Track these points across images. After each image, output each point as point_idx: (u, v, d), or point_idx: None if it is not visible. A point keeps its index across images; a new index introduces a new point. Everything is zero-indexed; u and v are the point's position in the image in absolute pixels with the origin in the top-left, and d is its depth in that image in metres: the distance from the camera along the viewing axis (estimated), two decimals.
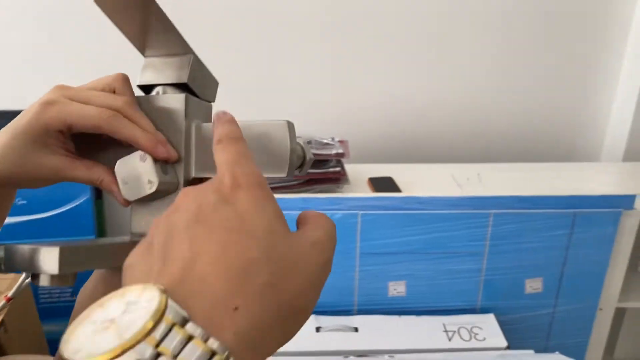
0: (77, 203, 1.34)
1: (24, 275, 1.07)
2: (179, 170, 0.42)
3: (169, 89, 0.43)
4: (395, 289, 1.19)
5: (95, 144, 0.44)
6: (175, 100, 0.42)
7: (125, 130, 0.40)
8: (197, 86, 0.44)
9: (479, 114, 1.46)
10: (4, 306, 0.99)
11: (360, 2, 1.34)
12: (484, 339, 1.10)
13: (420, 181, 1.23)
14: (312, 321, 1.13)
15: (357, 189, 1.19)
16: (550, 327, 1.23)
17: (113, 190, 0.43)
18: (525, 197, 1.12)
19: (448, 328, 1.13)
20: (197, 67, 0.44)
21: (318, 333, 1.11)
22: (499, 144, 1.48)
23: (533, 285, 1.19)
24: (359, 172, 1.26)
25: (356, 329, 1.12)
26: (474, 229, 1.14)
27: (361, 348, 1.07)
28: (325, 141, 1.19)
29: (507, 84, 1.44)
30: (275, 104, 1.43)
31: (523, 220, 1.13)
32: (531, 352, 1.06)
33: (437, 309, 1.18)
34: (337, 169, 1.17)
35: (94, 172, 0.43)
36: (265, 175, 0.36)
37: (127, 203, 0.43)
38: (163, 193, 0.42)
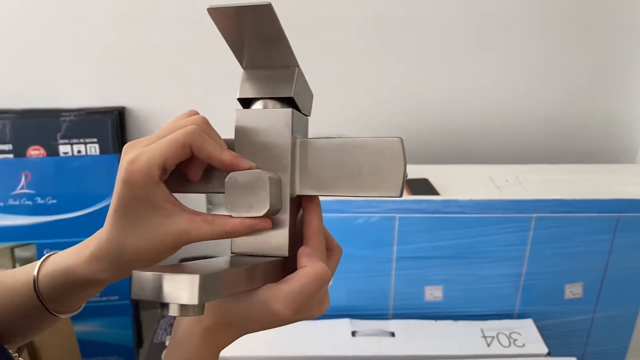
0: (107, 203, 1.33)
1: None
2: (284, 188, 0.41)
3: (271, 102, 0.41)
4: (431, 294, 1.16)
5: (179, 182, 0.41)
6: (281, 115, 0.40)
7: (208, 145, 0.38)
8: (300, 100, 0.42)
9: (517, 114, 1.43)
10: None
11: (394, 3, 1.31)
12: (524, 345, 1.07)
13: (457, 183, 1.20)
14: (348, 325, 1.11)
15: None
16: (589, 333, 1.20)
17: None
18: (568, 200, 1.09)
19: (486, 334, 1.11)
20: (301, 80, 0.42)
21: (354, 337, 1.09)
22: (537, 145, 1.45)
23: (573, 291, 1.17)
24: None
25: (392, 334, 1.10)
26: (514, 233, 1.11)
27: (398, 354, 1.05)
28: None
29: (545, 84, 1.41)
30: (314, 106, 1.41)
31: (564, 224, 1.11)
32: (574, 359, 1.04)
33: (475, 314, 1.16)
34: None
35: (216, 225, 0.39)
36: (378, 197, 0.37)
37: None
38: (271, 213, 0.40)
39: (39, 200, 1.33)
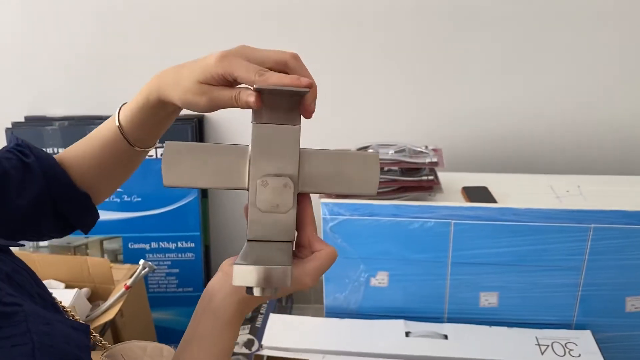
0: (186, 202, 1.45)
1: (140, 266, 1.19)
2: (295, 190, 0.50)
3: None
4: (487, 300, 1.18)
5: None
6: (291, 131, 0.51)
7: (237, 70, 0.49)
8: None
9: (579, 124, 1.41)
10: (123, 294, 1.11)
11: (458, 7, 1.34)
12: (579, 355, 1.07)
13: (517, 192, 1.21)
14: (402, 326, 1.15)
15: (451, 197, 1.20)
16: None
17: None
18: (630, 212, 1.08)
19: (541, 342, 1.11)
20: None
21: (407, 338, 1.13)
22: (600, 155, 1.42)
23: (635, 304, 1.14)
24: (452, 181, 1.26)
25: (445, 336, 1.13)
26: (572, 242, 1.11)
27: (450, 355, 1.08)
28: (419, 149, 1.21)
29: (607, 95, 1.39)
30: (370, 112, 1.47)
31: (626, 235, 1.09)
32: None
33: (530, 322, 1.17)
34: (431, 177, 1.18)
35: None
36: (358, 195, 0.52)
37: None
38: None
39: (126, 198, 1.47)
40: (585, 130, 1.42)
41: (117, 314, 1.15)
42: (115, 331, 1.19)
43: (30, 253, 1.33)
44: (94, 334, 0.60)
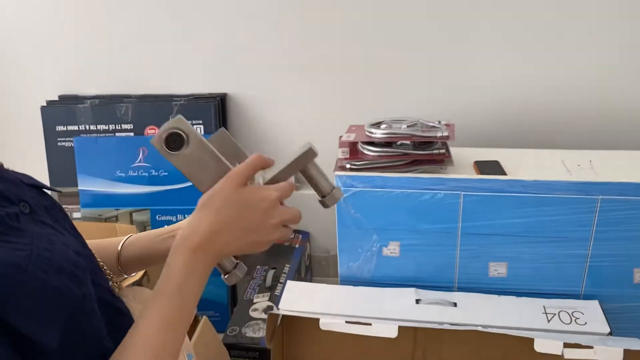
0: None
1: None
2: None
3: None
4: (496, 270, 1.22)
5: None
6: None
7: None
8: None
9: (595, 99, 1.42)
10: None
11: None
12: (585, 323, 1.10)
13: (528, 166, 1.24)
14: (413, 294, 1.20)
15: (462, 171, 1.23)
16: None
17: None
18: (636, 183, 1.09)
19: (548, 310, 1.14)
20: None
21: (418, 305, 1.17)
22: (615, 130, 1.43)
23: None
24: (464, 156, 1.29)
25: (455, 304, 1.17)
26: (580, 214, 1.13)
27: (458, 321, 1.12)
28: (432, 124, 1.25)
29: (624, 70, 1.39)
30: (383, 87, 1.50)
31: (634, 207, 1.11)
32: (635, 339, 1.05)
33: (538, 292, 1.20)
34: (442, 150, 1.22)
35: None
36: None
37: None
38: None
39: (154, 173, 1.55)
40: (600, 105, 1.42)
41: (144, 278, 1.22)
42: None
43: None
44: (111, 276, 0.67)
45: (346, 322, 1.04)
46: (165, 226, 0.71)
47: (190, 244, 0.55)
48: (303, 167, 0.65)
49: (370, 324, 1.03)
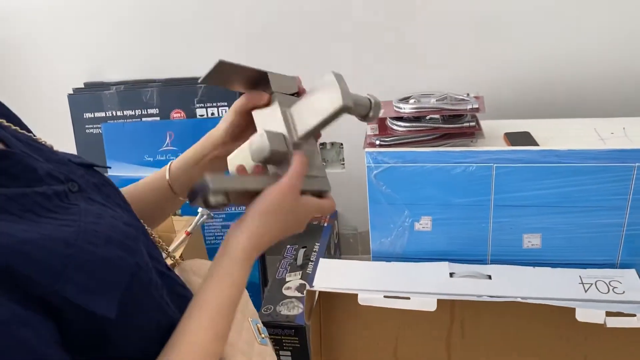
0: None
1: (199, 214, 1.27)
2: (287, 140, 0.61)
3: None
4: (530, 242, 1.21)
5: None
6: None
7: None
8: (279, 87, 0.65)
9: (626, 65, 1.39)
10: (184, 239, 1.20)
11: None
12: (623, 292, 1.09)
13: (560, 136, 1.22)
14: (446, 268, 1.20)
15: (493, 143, 1.21)
16: None
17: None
18: None
19: (585, 280, 1.13)
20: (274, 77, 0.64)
21: (451, 278, 1.18)
22: None
23: None
24: (495, 128, 1.28)
25: (489, 277, 1.17)
26: (615, 182, 1.12)
27: (493, 293, 1.12)
28: (460, 97, 1.23)
29: None
30: (410, 61, 1.49)
31: None
32: None
33: (574, 262, 1.19)
34: (472, 123, 1.21)
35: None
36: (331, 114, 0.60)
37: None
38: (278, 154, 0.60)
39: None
40: (632, 71, 1.39)
41: (178, 260, 1.24)
42: None
43: None
44: (168, 250, 0.68)
45: (384, 296, 1.05)
46: (196, 146, 0.72)
47: (252, 254, 0.57)
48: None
49: (409, 298, 1.04)
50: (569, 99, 1.43)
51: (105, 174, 0.60)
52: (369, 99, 0.66)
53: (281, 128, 0.61)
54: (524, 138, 1.23)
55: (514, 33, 1.41)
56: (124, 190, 0.70)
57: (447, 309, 1.10)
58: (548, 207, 1.17)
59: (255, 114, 0.64)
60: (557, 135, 1.23)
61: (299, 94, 0.67)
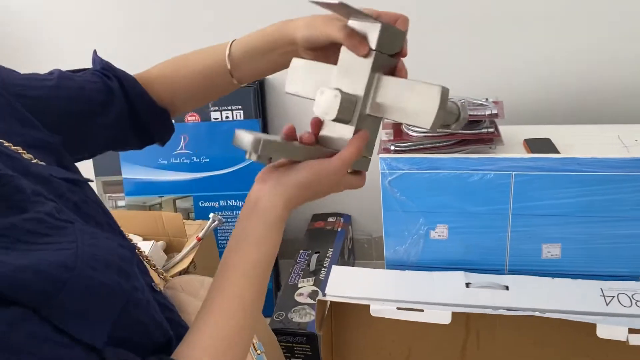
0: (251, 161, 1.51)
1: (210, 219, 1.26)
2: (356, 109, 0.56)
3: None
4: (549, 252, 1.17)
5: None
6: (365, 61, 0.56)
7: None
8: (384, 47, 0.56)
9: None
10: (195, 245, 1.18)
11: None
12: None
13: (581, 143, 1.18)
14: (462, 277, 1.17)
15: (512, 150, 1.18)
16: None
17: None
18: None
19: (606, 293, 1.09)
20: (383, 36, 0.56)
21: (468, 289, 1.14)
22: None
23: None
24: (514, 134, 1.24)
25: (506, 287, 1.14)
26: (639, 192, 1.08)
27: (511, 305, 1.09)
28: (479, 102, 1.20)
29: None
30: (430, 63, 1.46)
31: None
32: None
33: (595, 274, 1.15)
34: (491, 129, 1.18)
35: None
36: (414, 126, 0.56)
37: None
38: (341, 121, 0.56)
39: (195, 159, 1.55)
40: None
41: (190, 265, 1.23)
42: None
43: (111, 210, 1.44)
44: (156, 267, 0.66)
45: (397, 308, 1.02)
46: (265, 34, 0.65)
47: (285, 221, 0.55)
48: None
49: (422, 310, 1.01)
50: (591, 104, 1.39)
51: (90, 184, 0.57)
52: (459, 109, 0.62)
53: (360, 90, 0.56)
54: (545, 145, 1.19)
55: (535, 35, 1.37)
56: (154, 71, 0.69)
57: (462, 321, 1.07)
58: (568, 217, 1.13)
59: (345, 53, 0.57)
60: (578, 142, 1.19)
61: (400, 54, 0.59)
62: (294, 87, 0.61)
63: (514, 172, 1.12)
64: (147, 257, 0.65)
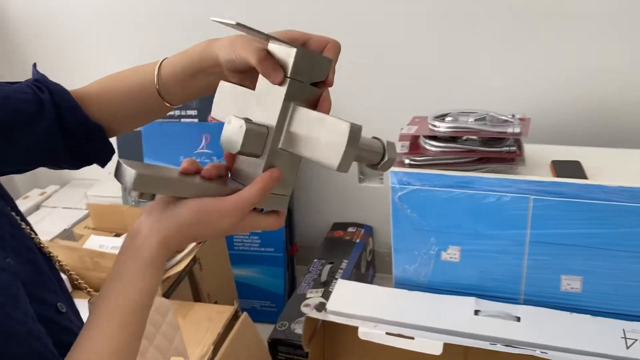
0: None
1: None
2: (268, 141, 0.50)
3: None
4: (569, 284, 1.09)
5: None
6: (277, 89, 0.50)
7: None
8: (301, 75, 0.50)
9: None
10: (194, 248, 1.17)
11: None
12: None
13: (612, 168, 1.09)
14: (472, 303, 1.10)
15: (537, 171, 1.10)
16: None
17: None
18: None
19: (628, 335, 1.00)
20: (301, 59, 0.50)
21: (476, 316, 1.08)
22: None
23: None
24: (541, 154, 1.16)
25: (518, 319, 1.06)
26: None
27: (519, 339, 1.01)
28: (504, 118, 1.13)
29: None
30: (459, 78, 1.39)
31: None
32: None
33: (618, 312, 1.06)
34: (513, 148, 1.10)
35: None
36: (322, 164, 0.48)
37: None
38: (249, 155, 0.50)
39: (216, 160, 1.54)
40: None
41: (195, 267, 1.22)
42: (193, 283, 1.26)
43: (120, 205, 1.45)
44: (78, 281, 0.63)
45: (386, 333, 0.97)
46: (193, 55, 0.59)
47: (164, 259, 0.50)
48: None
49: (412, 338, 0.95)
50: (628, 127, 1.28)
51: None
52: (383, 147, 0.54)
53: (272, 121, 0.50)
54: (573, 168, 1.10)
55: (569, 51, 1.28)
56: (89, 88, 0.65)
57: (457, 354, 1.01)
58: (592, 249, 1.04)
59: (262, 79, 0.52)
60: (608, 167, 1.10)
61: (325, 83, 0.53)
62: (218, 112, 0.57)
63: (533, 197, 1.04)
64: (68, 271, 0.62)
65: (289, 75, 0.49)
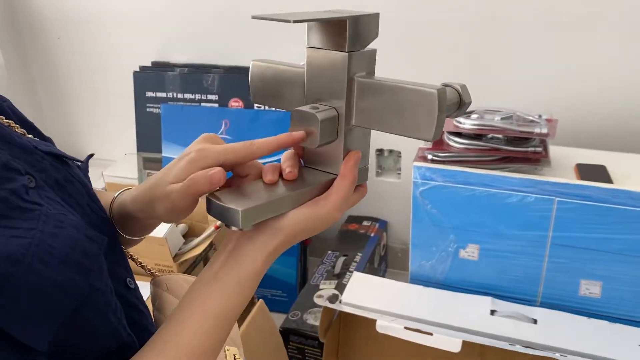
0: (278, 157, 1.48)
1: None
2: (340, 122, 0.48)
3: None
4: (587, 289, 1.08)
5: None
6: (339, 57, 0.47)
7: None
8: (357, 43, 0.48)
9: None
10: (212, 232, 1.17)
11: None
12: None
13: (639, 175, 1.07)
14: (488, 303, 1.09)
15: (560, 173, 1.09)
16: None
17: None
18: None
19: None
20: (354, 29, 0.47)
21: (492, 316, 1.07)
22: None
23: None
24: (566, 156, 1.15)
25: (535, 321, 1.05)
26: None
27: (535, 341, 1.00)
28: (530, 118, 1.12)
29: None
30: (483, 73, 1.38)
31: None
32: None
33: (637, 319, 1.04)
34: (539, 149, 1.09)
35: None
36: (413, 138, 0.45)
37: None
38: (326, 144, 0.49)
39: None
40: None
41: (211, 252, 1.21)
42: None
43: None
44: (140, 262, 0.63)
45: (405, 327, 0.96)
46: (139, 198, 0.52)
47: (267, 268, 0.49)
48: None
49: (431, 334, 0.94)
50: None
51: (81, 166, 0.52)
52: (458, 94, 0.50)
53: (336, 99, 0.48)
54: (598, 172, 1.09)
55: (600, 54, 1.26)
56: None
57: (474, 352, 1.00)
58: (614, 254, 1.03)
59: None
60: (634, 173, 1.08)
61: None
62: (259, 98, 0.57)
63: (557, 198, 1.03)
64: (128, 252, 0.61)
65: (346, 49, 0.47)
